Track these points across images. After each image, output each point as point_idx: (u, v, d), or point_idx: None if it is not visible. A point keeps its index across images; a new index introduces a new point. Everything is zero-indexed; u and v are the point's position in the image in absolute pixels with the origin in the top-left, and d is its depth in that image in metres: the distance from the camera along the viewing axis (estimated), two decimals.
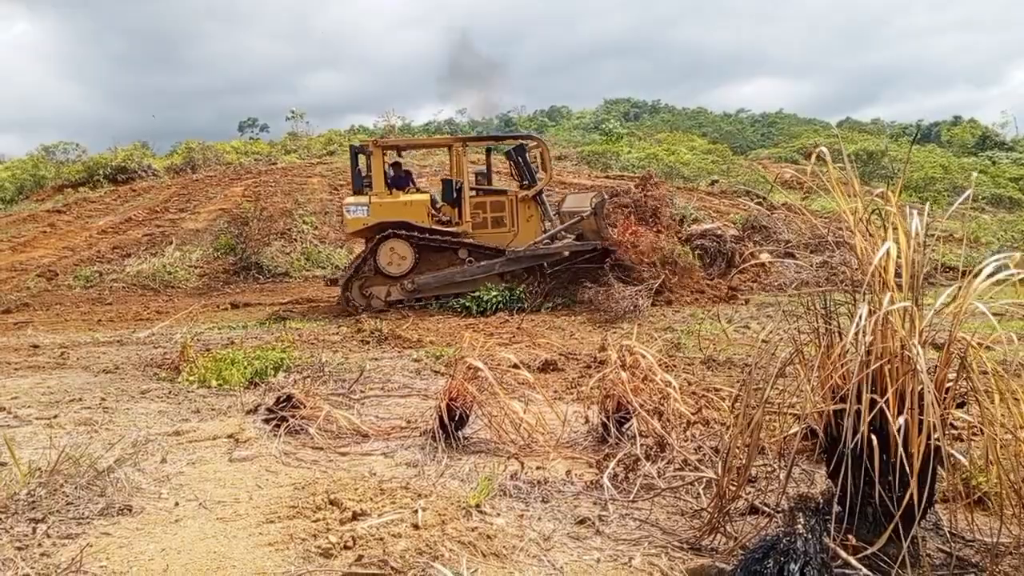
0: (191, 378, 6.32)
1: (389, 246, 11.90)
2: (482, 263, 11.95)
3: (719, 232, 13.65)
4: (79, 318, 12.72)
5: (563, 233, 12.47)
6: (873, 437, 2.43)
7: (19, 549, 2.76)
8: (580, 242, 12.08)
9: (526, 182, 12.61)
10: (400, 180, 13.01)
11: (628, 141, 35.76)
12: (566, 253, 11.96)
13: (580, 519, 3.08)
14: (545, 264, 12.14)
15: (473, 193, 12.75)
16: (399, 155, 14.28)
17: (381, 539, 2.76)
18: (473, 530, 2.85)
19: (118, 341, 9.67)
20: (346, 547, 2.73)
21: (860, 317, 2.52)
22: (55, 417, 5.14)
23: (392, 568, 2.55)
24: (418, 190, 13.41)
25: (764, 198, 19.08)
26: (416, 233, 11.90)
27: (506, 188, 13.53)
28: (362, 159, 12.48)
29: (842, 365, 2.66)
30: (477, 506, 3.11)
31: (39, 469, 3.42)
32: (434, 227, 12.05)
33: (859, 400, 2.48)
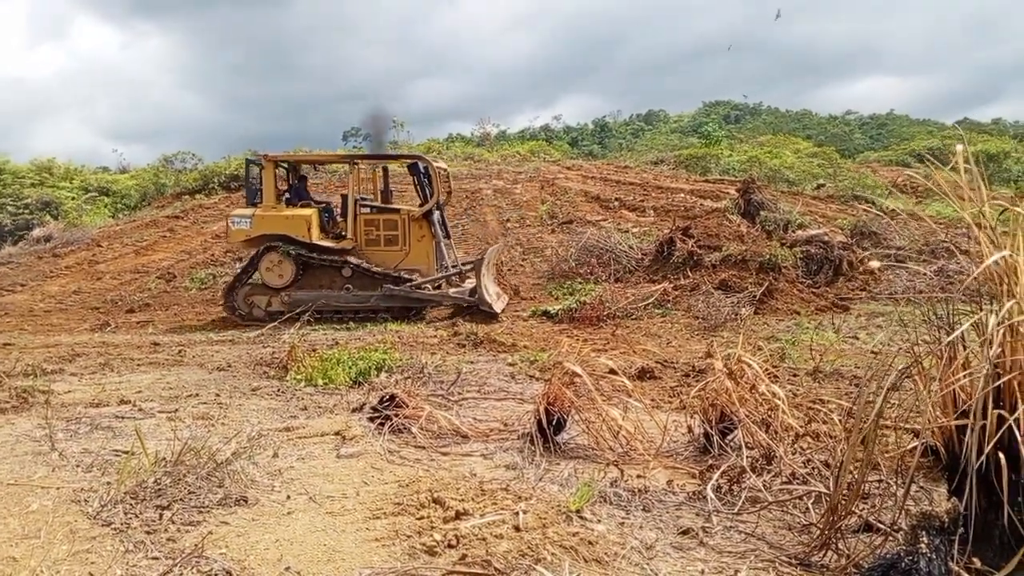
0: (298, 377, 6.57)
1: (270, 258, 12.05)
2: (359, 293, 12.01)
3: (826, 238, 13.14)
4: (195, 318, 13.45)
5: (455, 280, 12.43)
6: (1001, 455, 2.29)
7: (148, 533, 2.95)
8: (458, 294, 12.00)
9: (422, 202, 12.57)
10: (302, 193, 13.05)
11: (728, 144, 34.89)
12: (444, 302, 11.95)
13: (683, 529, 3.03)
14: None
15: (367, 210, 12.70)
16: (315, 169, 14.26)
17: (484, 539, 2.80)
18: (574, 535, 2.85)
19: (230, 340, 10.17)
20: (450, 545, 2.78)
21: (987, 327, 2.38)
22: (175, 411, 5.45)
23: (496, 569, 2.58)
24: (322, 203, 13.28)
25: (874, 203, 18.26)
26: (296, 248, 11.95)
27: (399, 207, 13.42)
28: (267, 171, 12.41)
29: (965, 378, 2.52)
30: (578, 511, 3.10)
31: (164, 459, 3.64)
32: (314, 243, 12.02)
33: (984, 416, 2.34)
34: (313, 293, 12.09)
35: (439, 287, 12.23)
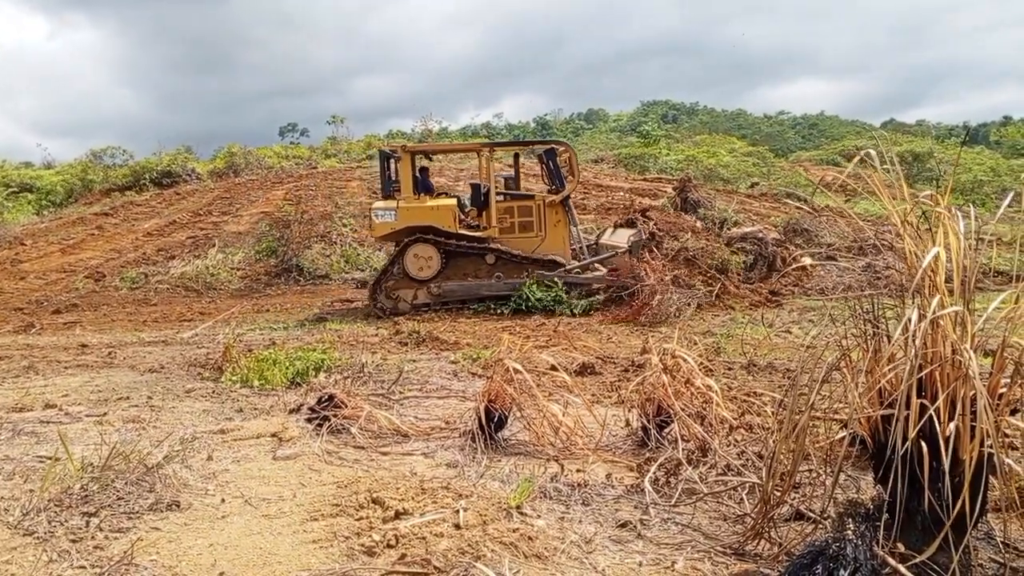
0: (234, 378, 6.42)
1: (416, 250, 12.07)
2: (509, 281, 12.06)
3: (760, 235, 13.48)
4: (125, 318, 13.02)
5: (596, 265, 12.50)
6: (923, 443, 2.38)
7: (73, 542, 2.84)
8: (613, 277, 12.08)
9: (554, 187, 12.70)
10: (428, 185, 13.16)
11: (666, 143, 35.48)
12: (595, 286, 12.03)
13: (621, 522, 3.06)
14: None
15: (500, 198, 12.78)
16: (429, 159, 14.43)
17: (423, 538, 2.78)
18: (514, 531, 2.86)
19: (163, 341, 9.88)
20: (389, 545, 2.75)
21: (910, 321, 2.47)
22: (104, 415, 5.27)
23: (435, 567, 2.57)
24: (446, 195, 13.45)
25: (806, 201, 18.80)
26: (442, 238, 12.02)
27: (533, 193, 13.56)
28: (405, 164, 12.55)
29: (891, 370, 2.61)
30: (518, 507, 3.11)
31: (91, 465, 3.51)
32: (460, 232, 12.15)
33: (908, 406, 2.43)
34: (463, 283, 12.08)
35: (588, 271, 12.26)
